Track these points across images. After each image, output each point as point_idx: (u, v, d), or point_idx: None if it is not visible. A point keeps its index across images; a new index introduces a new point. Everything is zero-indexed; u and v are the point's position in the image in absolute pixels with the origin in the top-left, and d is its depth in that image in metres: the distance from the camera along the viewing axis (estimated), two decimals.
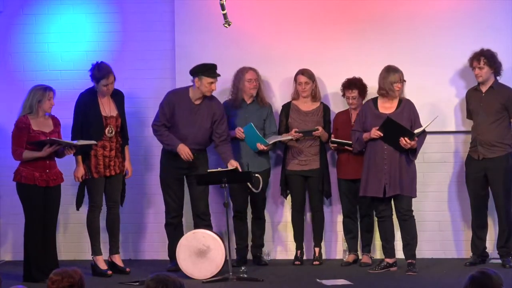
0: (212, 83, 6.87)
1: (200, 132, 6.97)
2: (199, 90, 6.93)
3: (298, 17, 7.50)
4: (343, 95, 7.22)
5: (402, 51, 7.35)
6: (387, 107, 6.87)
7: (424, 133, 6.77)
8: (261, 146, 7.11)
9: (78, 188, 6.93)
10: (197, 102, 6.99)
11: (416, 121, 6.79)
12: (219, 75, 6.91)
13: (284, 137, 7.21)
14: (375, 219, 7.36)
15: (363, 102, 7.16)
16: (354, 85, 7.11)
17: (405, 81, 6.86)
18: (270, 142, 7.13)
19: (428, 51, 7.35)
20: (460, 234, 7.48)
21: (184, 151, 6.86)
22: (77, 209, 6.96)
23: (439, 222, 7.45)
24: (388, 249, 6.94)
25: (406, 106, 6.84)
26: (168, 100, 6.98)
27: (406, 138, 6.61)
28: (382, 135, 6.71)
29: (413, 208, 6.84)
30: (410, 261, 6.80)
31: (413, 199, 6.85)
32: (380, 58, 7.34)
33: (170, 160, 6.99)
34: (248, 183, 6.87)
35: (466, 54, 7.26)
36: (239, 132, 7.14)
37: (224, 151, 6.97)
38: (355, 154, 7.03)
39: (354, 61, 7.39)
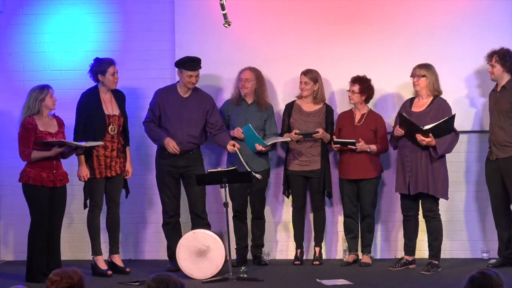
0: (191, 76, 6.92)
1: (192, 125, 7.00)
2: (182, 82, 6.97)
3: (299, 16, 7.50)
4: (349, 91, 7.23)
5: (405, 51, 7.35)
6: (418, 106, 6.90)
7: (454, 133, 6.72)
8: (259, 147, 7.12)
9: (83, 189, 6.92)
10: (186, 95, 7.03)
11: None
12: (199, 67, 6.95)
13: (283, 138, 7.22)
14: (377, 219, 7.39)
15: (364, 101, 7.18)
16: (357, 80, 7.11)
17: (424, 76, 6.83)
18: (268, 143, 7.13)
19: (429, 49, 7.34)
20: (467, 234, 7.50)
21: (170, 144, 6.91)
22: (85, 208, 6.94)
23: (450, 222, 7.46)
24: (409, 247, 6.98)
25: (436, 105, 6.83)
26: (156, 99, 7.06)
27: (420, 135, 6.63)
28: (403, 132, 6.75)
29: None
30: (430, 261, 6.82)
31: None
32: (383, 57, 7.36)
33: (165, 159, 7.01)
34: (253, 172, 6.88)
35: (467, 54, 7.30)
36: (238, 132, 7.14)
37: (221, 137, 7.04)
38: (358, 153, 7.07)
39: (358, 60, 7.38)
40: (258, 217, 7.36)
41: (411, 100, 7.00)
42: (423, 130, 6.62)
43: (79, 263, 6.82)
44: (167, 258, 7.13)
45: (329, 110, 7.33)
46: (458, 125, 7.28)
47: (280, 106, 7.49)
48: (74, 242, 7.67)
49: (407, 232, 7.00)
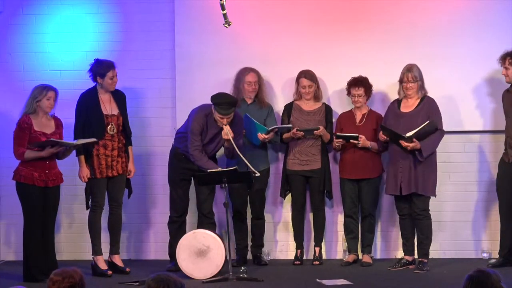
0: (222, 118, 6.74)
1: (218, 147, 7.00)
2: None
3: (299, 17, 7.50)
4: (348, 94, 7.22)
5: (404, 51, 7.35)
6: (407, 106, 6.93)
7: (439, 133, 6.75)
8: (261, 136, 7.09)
9: (85, 189, 6.91)
10: (220, 124, 6.89)
11: (432, 118, 6.78)
12: (232, 111, 6.72)
13: (284, 126, 7.20)
14: (377, 219, 7.41)
15: (367, 102, 7.22)
16: (360, 82, 7.12)
17: (416, 81, 6.84)
18: (269, 129, 7.08)
19: (430, 50, 7.35)
20: (467, 234, 7.50)
21: None
22: (87, 208, 6.94)
23: (451, 222, 7.49)
24: (408, 247, 7.00)
25: (425, 105, 6.86)
26: (199, 123, 6.82)
27: (403, 141, 6.69)
28: (386, 138, 6.82)
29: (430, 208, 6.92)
30: (421, 259, 6.86)
31: (432, 199, 6.91)
32: (381, 57, 7.37)
33: (179, 161, 6.98)
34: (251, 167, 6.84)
35: (467, 54, 7.32)
36: None
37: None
38: (360, 149, 7.08)
39: (356, 61, 7.39)
40: (258, 217, 7.36)
41: (398, 101, 7.00)
42: (405, 137, 6.69)
43: (79, 263, 6.83)
44: (168, 258, 7.11)
45: (328, 109, 7.35)
46: (460, 125, 7.33)
47: (279, 106, 7.49)
48: (74, 242, 7.67)
49: (404, 231, 7.01)
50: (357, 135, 7.01)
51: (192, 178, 7.03)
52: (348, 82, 7.18)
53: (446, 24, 7.40)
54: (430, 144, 6.75)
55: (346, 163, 7.20)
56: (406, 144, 6.70)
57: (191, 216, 7.27)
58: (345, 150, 7.18)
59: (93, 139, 6.72)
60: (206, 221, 7.00)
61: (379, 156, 7.19)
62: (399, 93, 7.03)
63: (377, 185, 7.21)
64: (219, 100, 6.72)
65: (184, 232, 6.97)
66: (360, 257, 7.25)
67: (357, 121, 7.21)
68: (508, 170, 6.88)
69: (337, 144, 7.13)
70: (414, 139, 6.67)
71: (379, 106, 7.42)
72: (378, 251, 7.53)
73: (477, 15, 7.38)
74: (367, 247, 7.23)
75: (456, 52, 7.37)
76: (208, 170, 6.73)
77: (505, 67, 6.86)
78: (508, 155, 6.86)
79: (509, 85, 6.96)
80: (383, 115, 7.24)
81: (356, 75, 7.17)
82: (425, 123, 6.69)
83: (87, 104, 6.88)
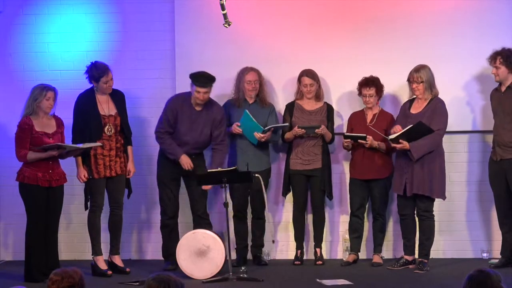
0: (199, 92, 6.80)
1: (201, 138, 6.99)
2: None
3: (299, 16, 7.51)
4: (359, 94, 7.20)
5: (404, 51, 7.35)
6: (416, 107, 6.95)
7: (432, 135, 6.72)
8: (258, 135, 7.09)
9: (84, 190, 6.92)
10: (198, 108, 6.96)
11: (433, 120, 6.78)
12: (209, 85, 6.83)
13: (280, 124, 7.20)
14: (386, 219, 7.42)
15: (379, 102, 7.23)
16: (372, 82, 7.11)
17: (422, 82, 6.84)
18: (265, 129, 7.09)
19: (429, 50, 7.34)
20: (467, 234, 7.51)
21: (186, 162, 6.89)
22: (85, 209, 6.94)
23: (450, 222, 7.49)
24: (408, 246, 7.00)
25: (431, 107, 6.86)
26: (171, 106, 6.93)
27: (390, 142, 6.82)
28: (350, 143, 7.04)
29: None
30: (421, 259, 6.86)
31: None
32: (381, 57, 7.37)
33: (168, 160, 6.99)
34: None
35: (466, 54, 7.31)
36: (236, 128, 7.13)
37: (214, 158, 7.01)
38: (369, 150, 7.08)
39: (357, 61, 7.39)
40: (258, 216, 7.36)
41: (411, 102, 7.02)
42: (388, 138, 6.81)
43: (79, 263, 6.83)
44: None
45: (329, 108, 7.35)
46: (460, 125, 7.32)
47: (280, 105, 7.49)
48: (73, 242, 7.67)
49: (405, 231, 7.02)
50: (365, 135, 7.00)
51: (181, 178, 7.03)
52: (359, 82, 7.16)
53: (447, 24, 7.39)
54: (420, 145, 6.73)
55: (356, 163, 7.19)
56: (394, 144, 6.74)
57: (186, 217, 7.26)
58: (355, 150, 7.18)
59: (99, 144, 6.73)
60: (201, 222, 6.99)
61: (390, 156, 7.18)
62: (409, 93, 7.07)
63: (387, 185, 7.18)
64: (196, 74, 6.82)
65: (177, 235, 6.98)
66: (360, 257, 7.25)
67: (368, 121, 7.19)
68: (497, 168, 6.90)
69: (345, 144, 7.13)
70: (402, 140, 6.69)
71: (384, 106, 7.40)
72: (385, 251, 7.50)
73: (477, 15, 7.37)
74: (378, 246, 7.23)
75: (456, 53, 7.37)
76: (208, 170, 6.75)
77: (495, 66, 6.86)
78: (496, 153, 6.88)
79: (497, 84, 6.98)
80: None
81: (357, 75, 7.17)
82: (410, 126, 6.69)
83: (84, 105, 6.88)
